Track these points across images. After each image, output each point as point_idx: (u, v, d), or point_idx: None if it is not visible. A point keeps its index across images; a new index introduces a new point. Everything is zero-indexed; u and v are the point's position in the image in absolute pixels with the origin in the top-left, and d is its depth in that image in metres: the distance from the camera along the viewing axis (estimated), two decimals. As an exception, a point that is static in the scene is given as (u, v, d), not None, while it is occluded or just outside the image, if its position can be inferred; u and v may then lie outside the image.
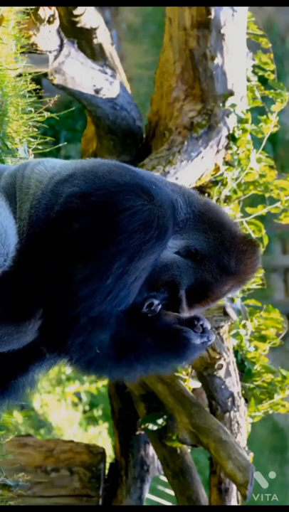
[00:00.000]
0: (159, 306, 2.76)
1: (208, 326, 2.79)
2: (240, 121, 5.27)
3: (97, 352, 2.59)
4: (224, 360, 4.90)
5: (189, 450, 5.30)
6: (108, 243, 2.58)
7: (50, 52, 4.71)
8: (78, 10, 5.34)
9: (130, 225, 2.59)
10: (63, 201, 2.67)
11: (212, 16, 5.21)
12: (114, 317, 2.59)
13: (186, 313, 2.84)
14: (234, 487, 4.97)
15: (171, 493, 5.67)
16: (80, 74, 5.17)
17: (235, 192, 5.34)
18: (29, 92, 4.14)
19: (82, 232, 2.60)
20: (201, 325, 2.77)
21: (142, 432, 5.55)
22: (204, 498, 5.23)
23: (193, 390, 5.12)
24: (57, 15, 4.51)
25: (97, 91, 5.37)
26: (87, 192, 2.65)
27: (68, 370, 8.43)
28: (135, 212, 2.60)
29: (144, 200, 2.62)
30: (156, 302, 2.74)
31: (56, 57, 4.82)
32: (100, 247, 2.58)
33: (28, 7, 4.32)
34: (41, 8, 4.38)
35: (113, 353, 2.62)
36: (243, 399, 5.07)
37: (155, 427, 5.15)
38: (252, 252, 2.81)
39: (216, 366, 4.90)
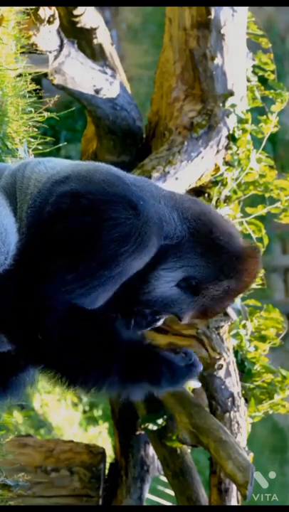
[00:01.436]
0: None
1: (191, 352, 2.77)
2: (240, 121, 5.26)
3: (39, 339, 2.55)
4: (224, 360, 4.90)
5: (189, 450, 5.30)
6: (85, 246, 2.61)
7: (50, 52, 4.71)
8: (78, 10, 5.34)
9: (110, 235, 2.61)
10: (54, 200, 2.70)
11: (212, 16, 5.21)
12: (64, 307, 2.56)
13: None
14: (234, 487, 4.97)
15: (171, 493, 5.67)
16: (80, 74, 5.17)
17: (235, 192, 5.34)
18: (29, 92, 4.14)
19: (65, 232, 2.64)
20: (184, 352, 2.77)
21: (142, 432, 5.55)
22: (204, 498, 5.23)
23: (193, 390, 5.13)
24: (57, 15, 4.51)
25: (97, 91, 5.37)
26: (77, 193, 2.68)
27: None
28: (117, 224, 2.62)
29: (129, 214, 2.65)
30: (158, 324, 2.83)
31: (56, 57, 4.82)
32: (76, 247, 2.62)
33: (28, 7, 4.32)
34: (41, 8, 4.38)
35: (60, 351, 2.59)
36: (243, 399, 5.07)
37: (155, 427, 5.16)
38: (253, 267, 2.81)
39: (216, 366, 4.90)
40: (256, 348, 5.21)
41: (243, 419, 5.04)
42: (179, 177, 5.03)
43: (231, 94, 5.29)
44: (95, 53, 5.57)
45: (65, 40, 4.83)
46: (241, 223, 5.29)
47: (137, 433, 5.67)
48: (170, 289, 2.78)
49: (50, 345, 2.56)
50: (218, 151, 5.25)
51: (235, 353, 5.14)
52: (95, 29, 5.53)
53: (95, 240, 2.61)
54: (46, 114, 4.16)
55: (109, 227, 2.62)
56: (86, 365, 2.60)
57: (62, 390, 2.67)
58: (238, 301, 5.35)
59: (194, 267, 2.78)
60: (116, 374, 2.60)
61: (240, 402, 5.04)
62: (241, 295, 5.30)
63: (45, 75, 4.91)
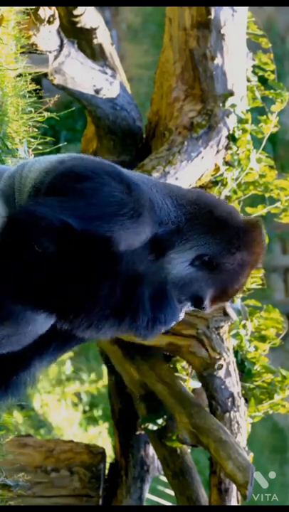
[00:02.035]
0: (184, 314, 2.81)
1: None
2: (240, 121, 5.27)
3: (37, 251, 2.49)
4: (224, 360, 4.90)
5: (189, 450, 5.31)
6: (86, 199, 2.60)
7: (50, 52, 4.71)
8: (78, 10, 5.34)
9: (108, 197, 2.61)
10: (46, 185, 2.71)
11: (212, 16, 5.21)
12: (61, 224, 2.52)
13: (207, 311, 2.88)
14: (234, 487, 4.97)
15: (171, 493, 5.67)
16: (80, 74, 5.17)
17: (235, 192, 5.34)
18: (29, 92, 4.14)
19: (62, 195, 2.62)
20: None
21: (142, 432, 5.55)
22: (204, 498, 5.23)
23: (193, 390, 5.13)
24: (57, 15, 4.51)
25: (97, 91, 5.37)
26: (70, 168, 2.69)
27: (68, 370, 8.45)
28: (114, 190, 2.62)
29: (123, 187, 2.66)
30: (182, 315, 2.81)
31: (56, 57, 4.82)
32: (77, 199, 2.60)
33: (28, 7, 4.32)
34: (41, 8, 4.38)
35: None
36: (243, 399, 5.08)
37: (155, 427, 5.16)
38: (258, 238, 2.84)
39: (216, 366, 4.91)
40: (256, 348, 5.21)
41: (243, 419, 5.04)
42: (179, 177, 5.03)
43: (231, 94, 5.29)
44: (95, 53, 5.57)
45: (65, 40, 4.83)
46: (241, 223, 5.29)
47: (137, 433, 5.68)
48: (185, 268, 2.78)
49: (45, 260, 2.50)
50: (218, 151, 5.25)
51: (235, 353, 5.14)
52: (95, 29, 5.53)
53: (95, 197, 2.60)
54: (46, 114, 4.16)
55: (108, 191, 2.61)
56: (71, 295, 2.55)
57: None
58: (238, 301, 5.35)
59: (204, 245, 2.79)
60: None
61: (240, 402, 5.04)
62: (240, 295, 5.32)
63: (45, 75, 4.91)
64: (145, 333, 2.67)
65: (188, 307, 2.83)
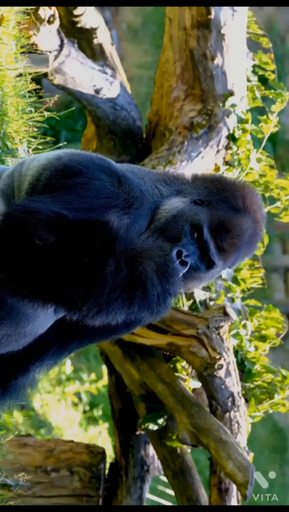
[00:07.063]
0: (190, 258, 2.76)
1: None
2: (241, 121, 5.27)
3: (37, 243, 2.53)
4: (224, 360, 4.90)
5: (189, 450, 5.30)
6: (76, 194, 2.66)
7: (50, 52, 4.71)
8: (78, 10, 5.35)
9: (99, 190, 2.68)
10: (43, 180, 2.75)
11: (212, 16, 5.22)
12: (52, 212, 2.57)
13: (220, 265, 2.87)
14: (234, 487, 4.97)
15: (171, 493, 5.67)
16: (80, 74, 5.17)
17: (235, 192, 5.33)
18: (29, 92, 4.15)
19: (56, 189, 2.69)
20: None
21: (142, 432, 5.55)
22: (204, 498, 5.23)
23: (193, 390, 5.13)
24: (57, 15, 4.51)
25: (97, 91, 5.37)
26: (65, 164, 2.76)
27: (68, 370, 8.45)
28: (105, 184, 2.70)
29: (114, 180, 2.73)
30: (184, 251, 2.74)
31: (56, 57, 4.82)
32: (68, 194, 2.67)
33: (28, 7, 4.32)
34: (41, 8, 4.38)
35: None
36: (243, 399, 5.07)
37: (155, 427, 5.15)
38: (253, 193, 2.94)
39: (216, 366, 4.90)
40: (256, 348, 5.21)
41: (243, 419, 5.04)
42: (179, 177, 5.03)
43: (231, 94, 5.29)
44: (95, 53, 5.57)
45: (65, 40, 4.83)
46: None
47: (137, 433, 5.67)
48: (179, 204, 2.87)
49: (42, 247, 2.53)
50: (218, 151, 5.26)
51: (235, 353, 5.14)
52: (95, 29, 5.53)
53: (88, 190, 2.67)
54: (46, 114, 4.16)
55: (99, 184, 2.69)
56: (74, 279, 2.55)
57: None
58: (238, 301, 5.35)
59: (199, 194, 2.92)
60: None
61: (241, 402, 5.04)
62: (240, 295, 5.31)
63: (45, 75, 4.91)
64: (158, 309, 2.63)
65: (188, 245, 2.81)
